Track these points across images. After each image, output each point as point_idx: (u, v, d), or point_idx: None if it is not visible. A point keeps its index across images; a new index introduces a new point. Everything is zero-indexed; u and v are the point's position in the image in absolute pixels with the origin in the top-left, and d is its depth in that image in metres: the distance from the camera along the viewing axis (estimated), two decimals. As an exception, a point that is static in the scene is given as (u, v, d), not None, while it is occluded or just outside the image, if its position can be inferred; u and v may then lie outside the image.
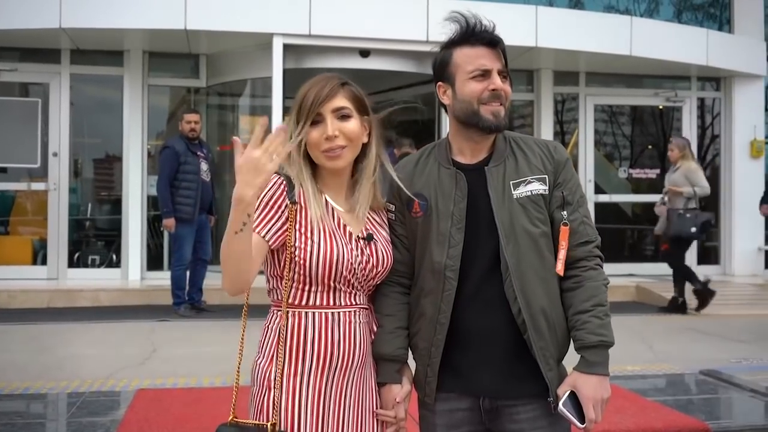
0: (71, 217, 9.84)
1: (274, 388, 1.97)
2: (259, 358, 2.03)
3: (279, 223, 1.96)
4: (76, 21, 8.60)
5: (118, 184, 9.96)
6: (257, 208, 1.94)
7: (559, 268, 2.08)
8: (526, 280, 2.04)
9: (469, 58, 2.09)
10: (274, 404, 1.96)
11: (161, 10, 8.68)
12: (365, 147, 2.09)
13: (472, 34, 2.09)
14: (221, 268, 1.90)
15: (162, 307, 8.38)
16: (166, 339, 6.60)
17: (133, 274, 9.59)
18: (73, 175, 9.99)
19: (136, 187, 9.68)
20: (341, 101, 2.02)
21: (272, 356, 1.99)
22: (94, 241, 10.21)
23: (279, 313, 2.02)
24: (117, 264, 9.82)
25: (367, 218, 2.11)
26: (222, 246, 1.85)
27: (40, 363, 5.63)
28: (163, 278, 9.68)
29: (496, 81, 2.07)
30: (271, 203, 1.96)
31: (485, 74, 2.08)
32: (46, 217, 9.69)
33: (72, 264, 9.75)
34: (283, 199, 1.97)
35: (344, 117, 2.02)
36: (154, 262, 10.02)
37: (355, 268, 2.01)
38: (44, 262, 9.71)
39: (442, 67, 2.15)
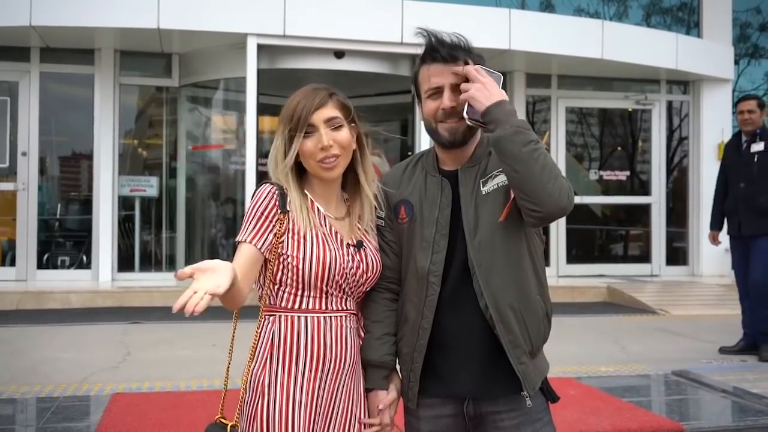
0: (40, 217, 9.71)
1: (268, 394, 1.98)
2: (252, 364, 2.03)
3: (272, 235, 2.00)
4: (46, 19, 8.50)
5: (89, 183, 9.84)
6: (251, 219, 1.99)
7: (503, 216, 2.04)
8: (492, 274, 2.03)
9: (426, 77, 2.11)
10: (267, 410, 1.97)
11: (134, 9, 8.60)
12: (355, 153, 2.13)
13: (429, 52, 2.10)
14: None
15: (133, 309, 8.29)
16: (140, 342, 6.53)
17: (103, 275, 9.48)
18: (43, 175, 9.85)
19: (107, 186, 9.57)
20: (332, 111, 2.06)
21: (266, 361, 2.01)
22: (64, 242, 10.06)
23: (271, 318, 2.03)
24: (87, 265, 9.70)
25: (356, 226, 2.13)
26: None
27: (11, 367, 5.54)
28: (134, 279, 9.60)
29: (445, 100, 2.07)
30: (265, 214, 2.00)
31: (438, 92, 2.09)
32: (14, 218, 9.54)
33: (41, 265, 9.61)
34: (276, 210, 2.01)
35: (337, 127, 2.05)
36: (125, 263, 9.91)
37: (346, 273, 2.04)
38: (13, 263, 9.57)
39: (414, 85, 2.19)
